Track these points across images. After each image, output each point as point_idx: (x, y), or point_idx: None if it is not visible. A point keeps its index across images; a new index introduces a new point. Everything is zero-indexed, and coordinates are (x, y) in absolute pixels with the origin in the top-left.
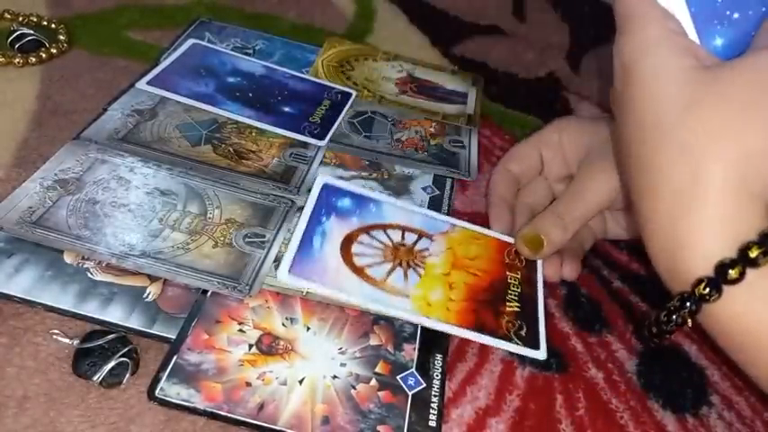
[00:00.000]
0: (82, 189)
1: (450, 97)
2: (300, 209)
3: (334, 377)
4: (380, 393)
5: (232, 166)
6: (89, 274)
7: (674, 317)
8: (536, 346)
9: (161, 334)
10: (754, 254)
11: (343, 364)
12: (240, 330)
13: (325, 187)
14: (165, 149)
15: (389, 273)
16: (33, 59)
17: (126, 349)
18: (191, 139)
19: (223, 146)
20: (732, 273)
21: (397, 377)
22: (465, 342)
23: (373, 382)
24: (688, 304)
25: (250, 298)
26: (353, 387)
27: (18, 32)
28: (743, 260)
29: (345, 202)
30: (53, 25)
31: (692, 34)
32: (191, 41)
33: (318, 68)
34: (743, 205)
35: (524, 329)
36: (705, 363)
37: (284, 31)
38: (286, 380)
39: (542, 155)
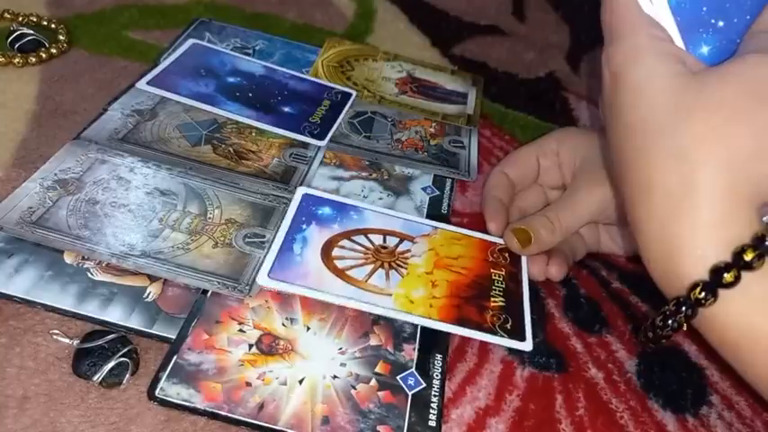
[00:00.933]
0: (82, 189)
1: (450, 97)
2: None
3: (334, 377)
4: (380, 393)
5: (232, 167)
6: (89, 274)
7: (670, 321)
8: (522, 338)
9: (161, 334)
10: (748, 257)
11: (343, 364)
12: (240, 330)
13: (305, 197)
14: (165, 149)
15: (371, 274)
16: (33, 59)
17: (126, 349)
18: (191, 140)
19: (223, 146)
20: (727, 276)
21: (397, 377)
22: (465, 342)
23: (373, 382)
24: (684, 309)
25: (250, 298)
26: (353, 387)
27: (18, 32)
28: (738, 263)
29: (326, 211)
30: (53, 25)
31: (679, 42)
32: (191, 41)
33: (318, 68)
34: (735, 209)
35: (510, 322)
36: (705, 363)
37: (284, 31)
38: (286, 380)
39: (539, 162)
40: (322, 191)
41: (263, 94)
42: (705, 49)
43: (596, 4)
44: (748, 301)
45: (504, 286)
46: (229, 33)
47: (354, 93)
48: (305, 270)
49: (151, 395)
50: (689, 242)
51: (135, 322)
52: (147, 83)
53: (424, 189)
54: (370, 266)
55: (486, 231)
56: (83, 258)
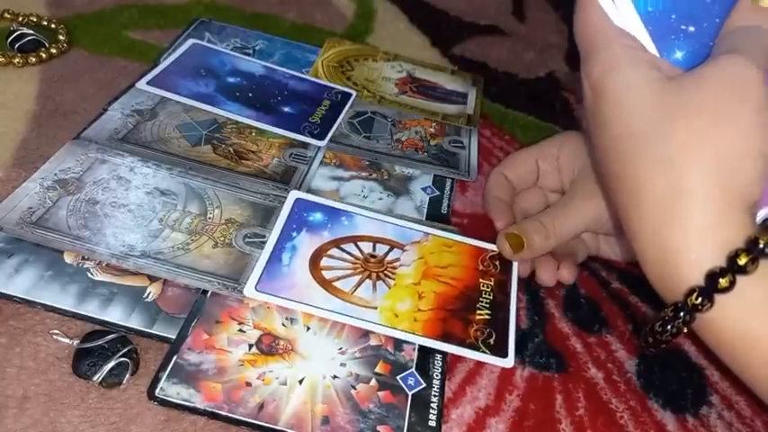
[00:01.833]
0: (82, 189)
1: (450, 97)
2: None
3: (334, 377)
4: (380, 393)
5: (232, 167)
6: (89, 274)
7: (669, 327)
8: (504, 354)
9: (161, 334)
10: (742, 261)
11: (343, 364)
12: (240, 330)
13: (297, 202)
14: (165, 149)
15: (357, 285)
16: (33, 59)
17: (126, 349)
18: (191, 140)
19: (223, 146)
20: (722, 281)
21: (397, 377)
22: None
23: (373, 382)
24: (682, 314)
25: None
26: (353, 387)
27: (18, 32)
28: (732, 268)
29: (317, 216)
30: (53, 25)
31: (653, 50)
32: (191, 41)
33: (318, 68)
34: (727, 211)
35: (493, 337)
36: (705, 363)
37: (284, 31)
38: (286, 380)
39: (539, 166)
40: (314, 194)
41: (263, 94)
42: (679, 55)
43: None
44: (744, 305)
45: (491, 297)
46: (229, 33)
47: (354, 93)
48: (291, 282)
49: (151, 395)
50: (683, 247)
51: (135, 322)
52: (147, 83)
53: (423, 189)
54: (358, 277)
55: (481, 237)
56: (83, 258)
